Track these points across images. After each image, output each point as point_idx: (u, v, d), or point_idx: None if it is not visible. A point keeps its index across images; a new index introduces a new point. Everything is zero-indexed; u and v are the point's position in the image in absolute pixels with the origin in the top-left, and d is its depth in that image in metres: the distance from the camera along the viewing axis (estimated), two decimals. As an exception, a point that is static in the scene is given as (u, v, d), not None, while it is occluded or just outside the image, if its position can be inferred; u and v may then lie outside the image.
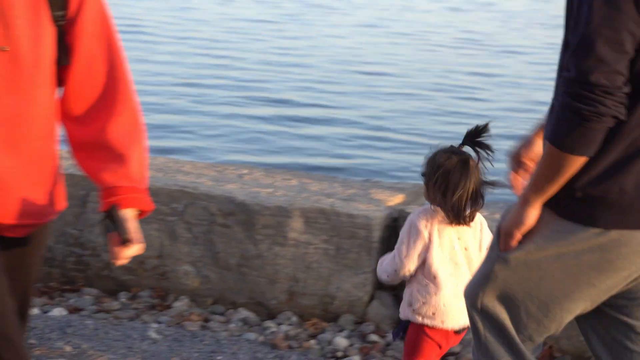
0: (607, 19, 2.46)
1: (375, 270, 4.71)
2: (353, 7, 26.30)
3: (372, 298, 4.95)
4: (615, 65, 2.45)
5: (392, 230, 4.89)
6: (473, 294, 2.88)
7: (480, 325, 2.88)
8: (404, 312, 3.75)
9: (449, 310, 3.67)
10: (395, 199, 5.19)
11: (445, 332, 3.71)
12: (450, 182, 3.57)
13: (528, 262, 2.75)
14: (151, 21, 20.46)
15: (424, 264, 3.66)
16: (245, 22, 21.50)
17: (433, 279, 3.65)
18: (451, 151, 3.62)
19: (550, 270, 2.74)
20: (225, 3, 24.91)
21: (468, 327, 3.45)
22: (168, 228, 5.08)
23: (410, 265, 3.65)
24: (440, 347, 3.75)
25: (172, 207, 5.07)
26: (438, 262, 3.65)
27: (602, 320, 2.87)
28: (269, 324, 4.90)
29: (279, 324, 4.91)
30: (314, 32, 20.62)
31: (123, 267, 4.91)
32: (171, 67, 15.32)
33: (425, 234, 3.64)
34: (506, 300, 2.81)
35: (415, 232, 3.65)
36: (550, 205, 2.70)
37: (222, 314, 5.02)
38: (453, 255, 3.68)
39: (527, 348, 2.86)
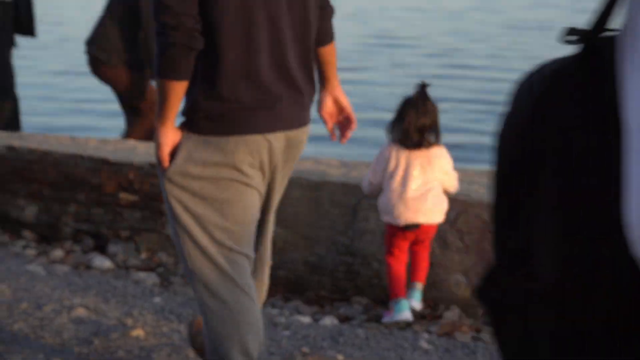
0: None
1: None
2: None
3: None
4: (178, 8, 3.01)
5: None
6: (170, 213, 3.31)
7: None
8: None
9: (400, 211, 4.75)
10: None
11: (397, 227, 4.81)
12: (403, 112, 4.75)
13: (182, 172, 3.21)
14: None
15: (386, 178, 4.79)
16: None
17: (388, 187, 4.77)
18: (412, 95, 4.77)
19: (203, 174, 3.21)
20: None
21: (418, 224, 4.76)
22: (439, 237, 4.98)
23: (374, 178, 4.82)
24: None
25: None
26: (391, 176, 4.76)
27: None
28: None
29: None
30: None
31: (394, 276, 4.87)
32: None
33: (386, 154, 4.80)
34: (189, 208, 3.23)
35: (379, 154, 4.84)
36: (185, 125, 3.22)
37: (494, 325, 4.86)
38: (405, 171, 4.74)
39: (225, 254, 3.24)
